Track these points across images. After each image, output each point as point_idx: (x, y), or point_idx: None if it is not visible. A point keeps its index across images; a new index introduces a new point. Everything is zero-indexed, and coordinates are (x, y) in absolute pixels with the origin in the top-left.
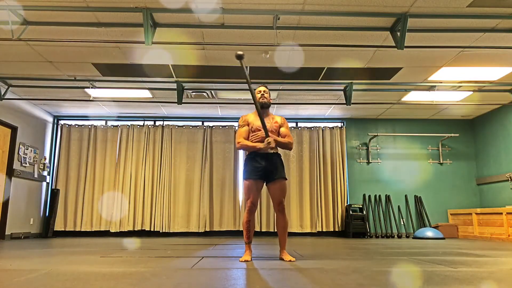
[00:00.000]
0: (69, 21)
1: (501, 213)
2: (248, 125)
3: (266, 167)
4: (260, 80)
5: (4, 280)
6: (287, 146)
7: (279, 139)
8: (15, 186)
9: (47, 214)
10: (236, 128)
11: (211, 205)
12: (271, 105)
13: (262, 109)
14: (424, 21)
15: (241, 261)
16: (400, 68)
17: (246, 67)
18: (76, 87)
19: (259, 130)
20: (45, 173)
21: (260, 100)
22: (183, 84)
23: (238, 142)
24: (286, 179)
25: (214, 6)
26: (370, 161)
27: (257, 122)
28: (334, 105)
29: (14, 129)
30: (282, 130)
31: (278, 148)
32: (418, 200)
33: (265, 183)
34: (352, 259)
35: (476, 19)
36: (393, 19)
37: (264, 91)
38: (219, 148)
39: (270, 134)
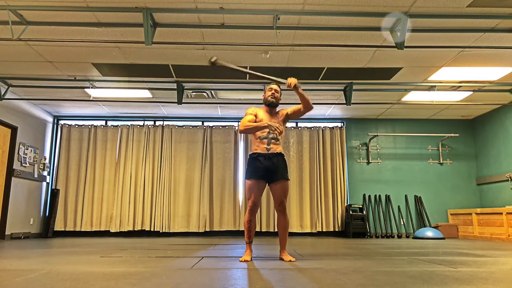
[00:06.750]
0: (69, 21)
1: (501, 213)
2: (256, 116)
3: (268, 167)
4: (260, 80)
5: (4, 280)
6: (309, 103)
7: (301, 92)
8: (15, 186)
9: (47, 214)
10: (236, 128)
11: (211, 205)
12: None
13: (270, 107)
14: (424, 21)
15: (241, 261)
16: (400, 68)
17: (238, 66)
18: (76, 87)
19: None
20: (45, 173)
21: (269, 98)
22: (183, 84)
23: (242, 125)
24: (289, 179)
25: (214, 6)
26: (370, 161)
27: (265, 119)
28: (334, 105)
29: (14, 129)
30: (291, 108)
31: (281, 147)
32: (418, 200)
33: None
34: (352, 259)
35: (476, 19)
36: (393, 19)
37: (275, 90)
38: (219, 148)
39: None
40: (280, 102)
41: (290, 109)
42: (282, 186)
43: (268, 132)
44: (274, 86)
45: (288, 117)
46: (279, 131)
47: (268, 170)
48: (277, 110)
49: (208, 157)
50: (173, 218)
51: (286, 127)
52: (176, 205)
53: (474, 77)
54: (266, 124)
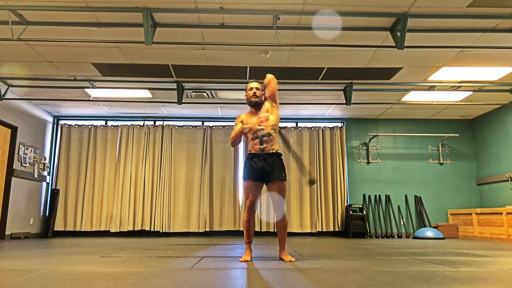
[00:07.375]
0: (69, 21)
1: (501, 213)
2: (242, 123)
3: (263, 168)
4: (260, 80)
5: (4, 280)
6: (270, 82)
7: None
8: (15, 186)
9: (47, 214)
10: None
11: (211, 205)
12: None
13: (254, 107)
14: (424, 21)
15: (241, 261)
16: (400, 68)
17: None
18: (76, 87)
19: (251, 129)
20: (45, 173)
21: (252, 99)
22: (183, 84)
23: (231, 137)
24: (285, 180)
25: (214, 6)
26: (370, 161)
27: (250, 121)
28: (334, 105)
29: (14, 129)
30: (266, 95)
31: (278, 145)
32: (418, 200)
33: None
34: (352, 259)
35: (476, 19)
36: (393, 19)
37: (256, 88)
38: (219, 148)
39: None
40: (281, 102)
41: (267, 97)
42: (278, 186)
43: (257, 131)
44: (255, 84)
45: (272, 103)
46: (254, 131)
47: (262, 171)
48: (261, 107)
49: (208, 157)
50: (173, 218)
51: (286, 127)
52: (176, 205)
53: (474, 77)
54: (241, 129)
